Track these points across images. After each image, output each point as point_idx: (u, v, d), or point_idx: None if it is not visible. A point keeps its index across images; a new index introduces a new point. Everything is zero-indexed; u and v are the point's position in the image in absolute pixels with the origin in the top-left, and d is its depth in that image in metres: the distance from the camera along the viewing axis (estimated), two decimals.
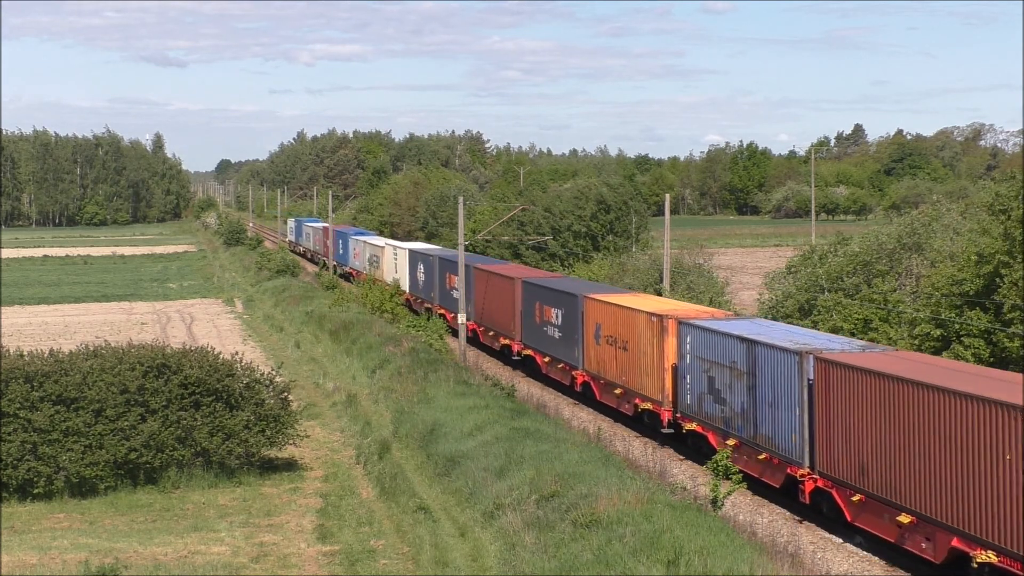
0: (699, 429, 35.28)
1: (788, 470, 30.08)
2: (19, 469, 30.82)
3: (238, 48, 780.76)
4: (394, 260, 77.80)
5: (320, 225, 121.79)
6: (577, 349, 44.93)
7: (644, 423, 39.74)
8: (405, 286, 73.42)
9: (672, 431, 37.57)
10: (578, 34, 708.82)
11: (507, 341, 53.85)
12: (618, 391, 41.14)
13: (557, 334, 47.11)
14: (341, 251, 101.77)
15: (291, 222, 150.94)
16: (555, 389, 48.27)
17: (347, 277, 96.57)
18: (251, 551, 26.25)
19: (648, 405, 38.61)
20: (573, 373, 45.33)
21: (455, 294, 57.17)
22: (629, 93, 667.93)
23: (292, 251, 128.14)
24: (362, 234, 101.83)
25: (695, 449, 36.55)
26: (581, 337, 44.38)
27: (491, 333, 56.82)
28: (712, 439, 34.42)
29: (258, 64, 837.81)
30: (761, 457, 31.60)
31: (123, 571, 24.22)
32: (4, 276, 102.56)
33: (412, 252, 73.59)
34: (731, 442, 32.96)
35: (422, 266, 69.45)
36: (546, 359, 48.54)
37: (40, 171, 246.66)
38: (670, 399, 37.45)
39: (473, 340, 58.70)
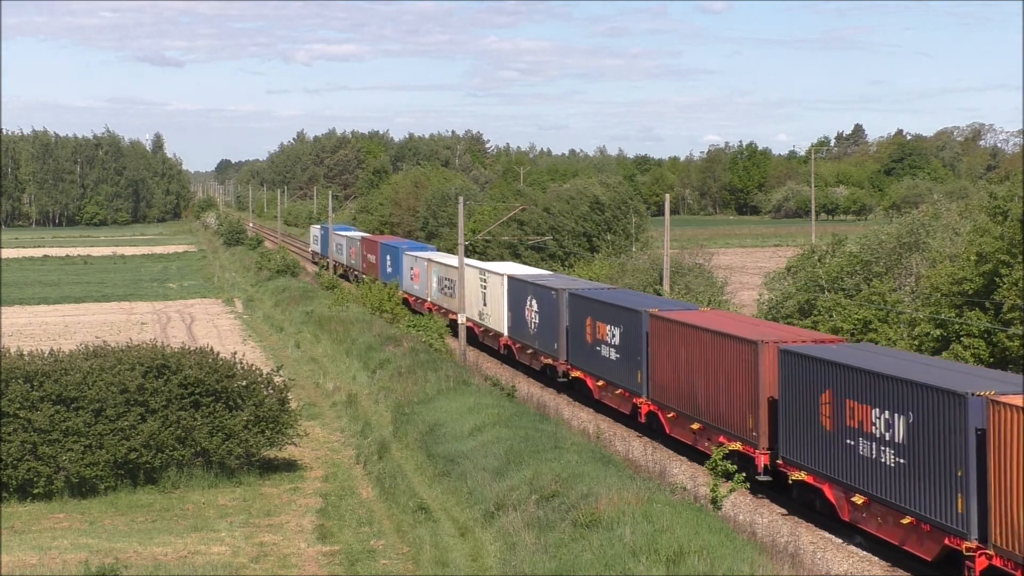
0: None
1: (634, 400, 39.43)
2: (19, 469, 30.82)
3: (235, 48, 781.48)
4: (482, 290, 58.27)
5: (356, 235, 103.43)
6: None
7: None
8: (500, 326, 55.35)
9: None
10: (575, 34, 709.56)
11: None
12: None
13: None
14: (390, 269, 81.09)
15: (315, 229, 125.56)
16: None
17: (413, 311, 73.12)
18: (251, 551, 26.25)
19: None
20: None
21: (610, 351, 41.60)
22: (627, 93, 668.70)
23: (315, 262, 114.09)
24: (419, 248, 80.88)
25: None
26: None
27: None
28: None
29: (255, 64, 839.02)
30: None
31: (123, 571, 24.22)
32: (4, 276, 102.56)
33: (515, 281, 53.43)
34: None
35: (535, 302, 49.87)
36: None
37: (40, 171, 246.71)
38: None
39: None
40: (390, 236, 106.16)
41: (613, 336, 41.05)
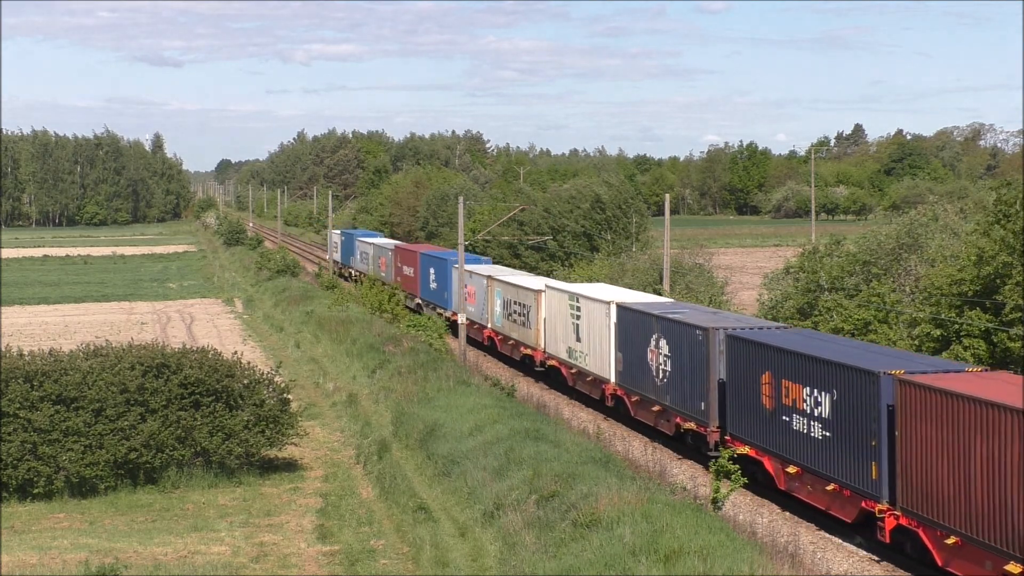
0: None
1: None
2: (19, 469, 30.82)
3: (233, 48, 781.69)
4: (573, 320, 45.35)
5: (386, 242, 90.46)
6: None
7: None
8: (604, 369, 42.27)
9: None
10: (573, 34, 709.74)
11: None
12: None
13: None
14: (434, 285, 68.77)
15: (334, 235, 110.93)
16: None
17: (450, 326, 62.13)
18: (251, 551, 26.25)
19: None
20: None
21: (811, 426, 29.51)
22: (626, 93, 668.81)
23: (340, 275, 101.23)
24: (472, 260, 66.45)
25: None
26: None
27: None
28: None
29: (254, 64, 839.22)
30: None
31: (123, 571, 24.23)
32: (4, 276, 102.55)
33: (630, 312, 40.43)
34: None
35: (665, 342, 37.16)
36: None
37: (40, 171, 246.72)
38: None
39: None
40: (430, 245, 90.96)
41: (817, 404, 28.96)
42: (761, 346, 31.56)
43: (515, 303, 52.67)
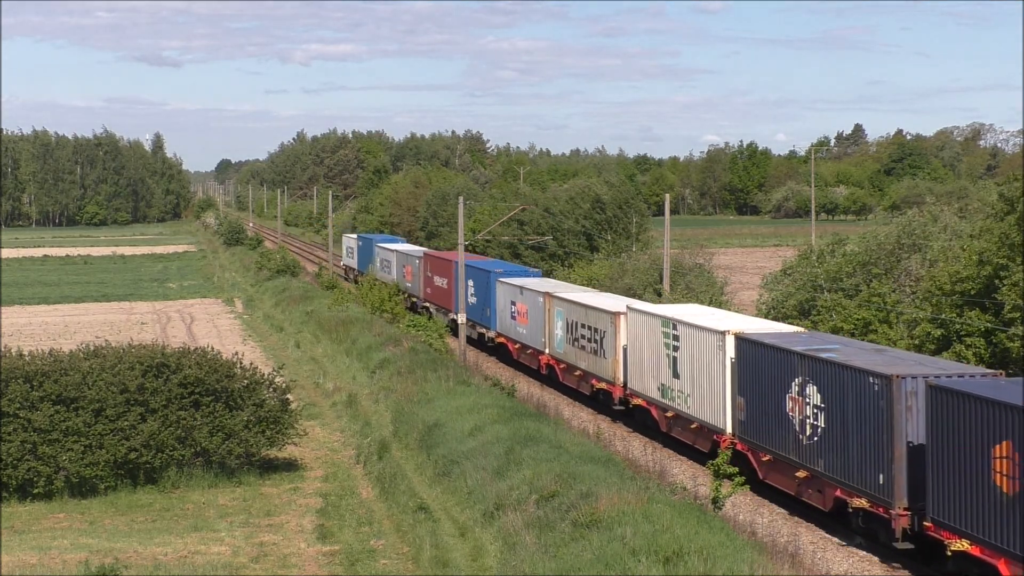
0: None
1: None
2: (19, 469, 30.81)
3: (232, 48, 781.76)
4: (670, 351, 36.91)
5: (413, 250, 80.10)
6: None
7: None
8: (716, 416, 34.12)
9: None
10: (572, 34, 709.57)
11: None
12: None
13: None
14: (473, 299, 59.52)
15: (349, 239, 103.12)
16: (811, 518, 30.13)
17: (511, 362, 54.93)
18: (251, 551, 26.25)
19: None
20: None
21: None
22: (625, 93, 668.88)
23: (354, 280, 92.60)
24: (518, 272, 59.39)
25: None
26: None
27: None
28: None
29: (253, 64, 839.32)
30: None
31: (123, 571, 24.22)
32: (4, 276, 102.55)
33: (756, 346, 31.99)
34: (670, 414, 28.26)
35: (815, 390, 29.12)
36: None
37: (40, 171, 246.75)
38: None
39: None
40: (471, 254, 72.15)
41: None
42: (992, 404, 22.96)
43: (583, 326, 44.33)
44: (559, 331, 47.26)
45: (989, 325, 36.21)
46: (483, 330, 58.52)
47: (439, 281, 66.76)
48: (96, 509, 30.45)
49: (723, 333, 33.45)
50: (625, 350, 40.64)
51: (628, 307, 41.01)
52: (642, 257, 67.50)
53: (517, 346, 53.03)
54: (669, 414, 37.21)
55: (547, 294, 48.99)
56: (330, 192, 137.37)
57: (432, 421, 36.76)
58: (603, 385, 42.64)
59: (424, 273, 70.78)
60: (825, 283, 47.07)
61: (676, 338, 36.42)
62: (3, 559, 25.19)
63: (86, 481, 31.43)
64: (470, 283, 59.94)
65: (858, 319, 42.69)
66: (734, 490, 30.02)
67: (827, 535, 28.94)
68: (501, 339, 55.30)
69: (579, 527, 24.40)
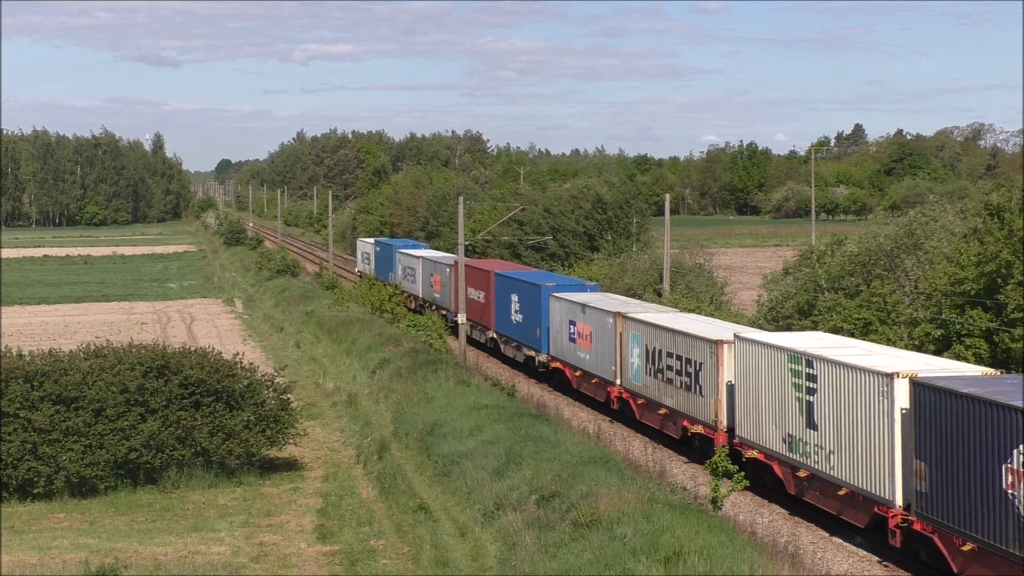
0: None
1: None
2: (19, 469, 30.80)
3: (231, 48, 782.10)
4: (800, 393, 29.70)
5: (443, 257, 70.78)
6: None
7: None
8: (880, 482, 26.57)
9: None
10: (571, 34, 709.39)
11: None
12: None
13: None
14: (518, 317, 52.34)
15: (364, 244, 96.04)
16: (811, 518, 30.02)
17: (569, 391, 47.21)
18: (251, 551, 26.24)
19: None
20: None
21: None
22: (624, 93, 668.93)
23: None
24: (574, 286, 50.99)
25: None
26: None
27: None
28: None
29: (252, 64, 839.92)
30: None
31: (123, 571, 24.21)
32: (4, 276, 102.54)
33: (938, 394, 24.37)
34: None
35: None
36: None
37: (40, 171, 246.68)
38: None
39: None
40: (510, 263, 67.82)
41: None
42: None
43: (670, 355, 37.18)
44: (635, 359, 39.85)
45: (991, 325, 36.19)
46: (530, 352, 50.67)
47: (474, 294, 59.23)
48: (96, 509, 30.44)
49: (890, 376, 25.81)
50: (730, 387, 33.43)
51: (737, 335, 33.19)
52: (642, 257, 67.50)
53: (578, 373, 45.23)
54: (802, 473, 29.39)
55: (619, 314, 41.47)
56: (330, 192, 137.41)
57: (432, 421, 36.76)
58: (699, 428, 35.11)
59: (455, 285, 62.12)
60: (825, 283, 47.06)
61: (811, 378, 28.82)
62: (3, 559, 25.19)
63: (86, 481, 31.42)
64: (513, 297, 52.95)
65: (858, 319, 42.69)
66: (733, 489, 30.00)
67: (827, 535, 28.93)
68: (556, 364, 47.62)
69: (579, 527, 24.40)
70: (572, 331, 45.74)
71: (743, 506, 31.19)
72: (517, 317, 52.45)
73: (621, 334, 41.19)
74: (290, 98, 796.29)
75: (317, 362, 54.35)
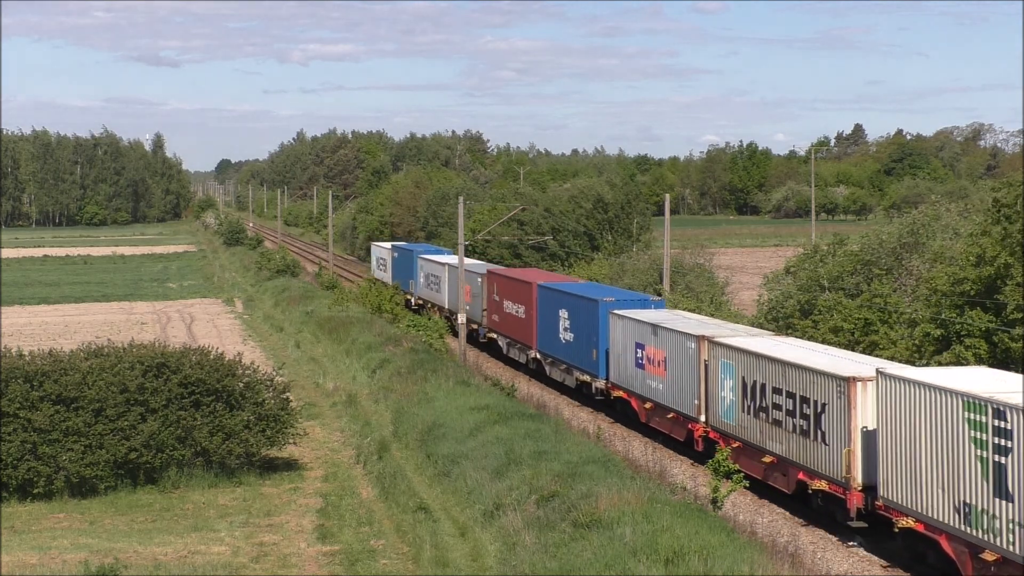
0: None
1: None
2: (19, 469, 30.80)
3: (230, 48, 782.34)
4: (986, 453, 23.19)
5: (473, 266, 63.20)
6: None
7: None
8: None
9: None
10: (570, 34, 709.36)
11: None
12: None
13: None
14: (568, 336, 46.43)
15: (379, 250, 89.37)
16: (811, 518, 30.03)
17: (636, 424, 41.04)
18: (251, 551, 26.24)
19: None
20: None
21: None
22: (624, 93, 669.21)
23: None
24: (639, 302, 44.45)
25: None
26: None
27: None
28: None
29: (251, 64, 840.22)
30: None
31: (123, 571, 24.21)
32: (4, 276, 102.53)
33: None
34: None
35: None
36: None
37: (40, 171, 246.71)
38: None
39: None
40: (558, 275, 59.84)
41: None
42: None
43: (777, 391, 31.04)
44: (726, 392, 33.72)
45: (991, 325, 36.17)
46: (584, 377, 44.79)
47: (512, 307, 53.25)
48: (96, 509, 30.44)
49: None
50: (868, 435, 27.37)
51: (880, 371, 26.71)
52: (642, 257, 67.49)
53: (648, 405, 39.07)
54: (989, 556, 23.11)
55: (703, 338, 35.36)
56: (330, 192, 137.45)
57: (432, 421, 36.75)
58: (821, 484, 28.73)
59: (490, 296, 57.53)
60: (827, 282, 47.05)
61: (1002, 433, 22.75)
62: (3, 559, 25.19)
63: (86, 481, 31.42)
64: (562, 313, 46.91)
65: (858, 319, 42.69)
66: (733, 489, 29.97)
67: (827, 535, 28.93)
68: (619, 393, 41.59)
69: (579, 527, 24.40)
70: (639, 355, 39.65)
71: (743, 506, 31.18)
72: (567, 336, 46.47)
73: (706, 362, 34.99)
74: (289, 98, 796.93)
75: (317, 362, 54.34)
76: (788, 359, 30.88)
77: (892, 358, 36.49)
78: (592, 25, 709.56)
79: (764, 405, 31.64)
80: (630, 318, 40.86)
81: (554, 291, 48.57)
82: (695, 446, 35.92)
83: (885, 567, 26.75)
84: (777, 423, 30.98)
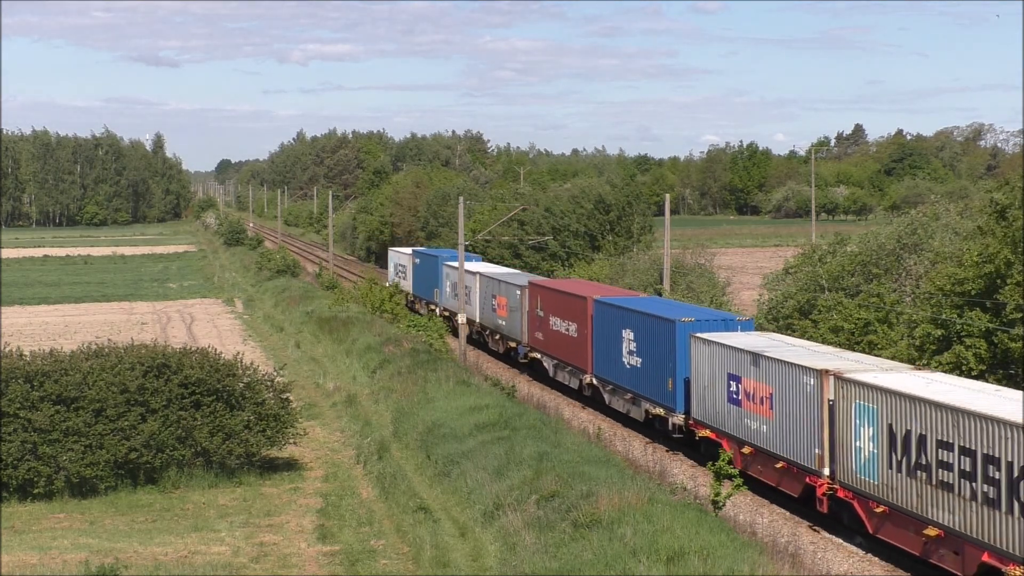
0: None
1: None
2: (19, 469, 30.80)
3: (229, 48, 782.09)
4: None
5: (510, 276, 59.26)
6: None
7: None
8: None
9: None
10: (570, 34, 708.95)
11: None
12: None
13: None
14: (635, 360, 40.12)
15: (400, 255, 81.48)
16: (811, 518, 29.56)
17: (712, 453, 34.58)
18: (251, 551, 26.24)
19: None
20: None
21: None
22: (623, 93, 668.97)
23: (412, 308, 73.95)
24: (729, 323, 37.69)
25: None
26: None
27: None
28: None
29: (251, 64, 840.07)
30: None
31: (123, 571, 24.21)
32: (4, 276, 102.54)
33: None
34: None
35: None
36: None
37: (41, 171, 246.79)
38: None
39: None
40: (616, 289, 51.60)
41: None
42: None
43: (946, 445, 24.47)
44: (865, 444, 27.16)
45: (990, 325, 36.16)
46: (657, 410, 38.32)
47: (561, 325, 47.24)
48: (96, 509, 30.44)
49: None
50: None
51: None
52: (642, 257, 67.47)
53: (747, 450, 32.48)
54: None
55: (825, 373, 28.79)
56: (330, 192, 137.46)
57: (432, 421, 36.75)
58: (1017, 572, 22.30)
59: (533, 310, 51.05)
60: (827, 283, 47.04)
61: None
62: (3, 559, 25.19)
63: (86, 481, 31.42)
64: (626, 334, 40.78)
65: (858, 319, 42.68)
66: (734, 491, 29.97)
67: (827, 535, 28.92)
68: (704, 432, 35.00)
69: (579, 527, 24.40)
70: (735, 389, 33.05)
71: (743, 506, 31.18)
72: (633, 360, 40.21)
73: (832, 403, 28.39)
74: (289, 98, 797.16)
75: (317, 362, 54.34)
76: (962, 406, 23.99)
77: (893, 358, 36.47)
78: (592, 25, 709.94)
79: (924, 462, 24.93)
80: (719, 343, 34.09)
81: (615, 307, 42.03)
82: (817, 506, 29.33)
83: (887, 567, 26.74)
84: (945, 486, 24.30)
